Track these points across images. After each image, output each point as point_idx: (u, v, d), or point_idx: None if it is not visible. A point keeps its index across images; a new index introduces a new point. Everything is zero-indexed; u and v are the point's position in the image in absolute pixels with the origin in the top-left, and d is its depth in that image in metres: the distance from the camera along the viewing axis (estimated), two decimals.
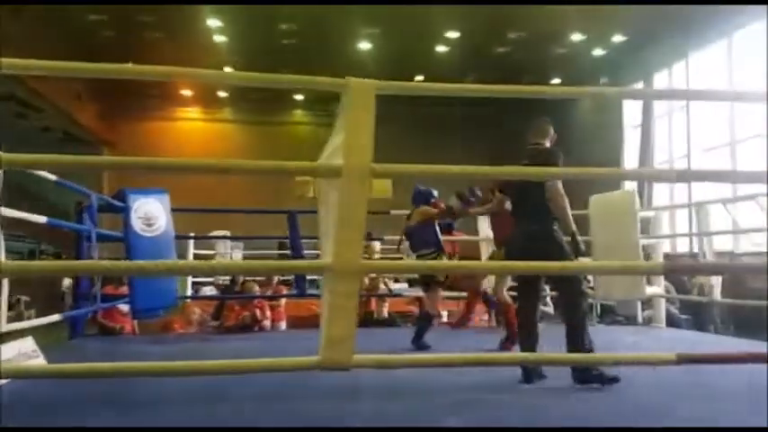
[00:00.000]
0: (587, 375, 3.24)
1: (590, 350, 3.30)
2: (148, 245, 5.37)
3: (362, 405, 2.91)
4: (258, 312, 6.30)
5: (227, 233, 11.09)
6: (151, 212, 5.49)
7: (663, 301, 6.32)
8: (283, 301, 7.80)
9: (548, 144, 3.72)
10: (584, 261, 3.56)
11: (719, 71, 13.48)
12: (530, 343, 3.53)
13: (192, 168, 2.33)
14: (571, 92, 2.04)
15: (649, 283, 6.44)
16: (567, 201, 3.46)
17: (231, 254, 11.44)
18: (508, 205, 3.99)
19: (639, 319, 6.53)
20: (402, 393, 3.10)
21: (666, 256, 11.99)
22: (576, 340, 3.33)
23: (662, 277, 6.37)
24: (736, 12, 12.53)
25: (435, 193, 5.22)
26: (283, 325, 7.69)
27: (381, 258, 13.16)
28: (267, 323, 6.33)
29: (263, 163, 1.84)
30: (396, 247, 5.80)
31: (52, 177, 4.00)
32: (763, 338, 5.43)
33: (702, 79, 13.88)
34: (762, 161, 12.05)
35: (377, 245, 14.36)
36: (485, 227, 6.47)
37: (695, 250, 12.88)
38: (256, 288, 6.75)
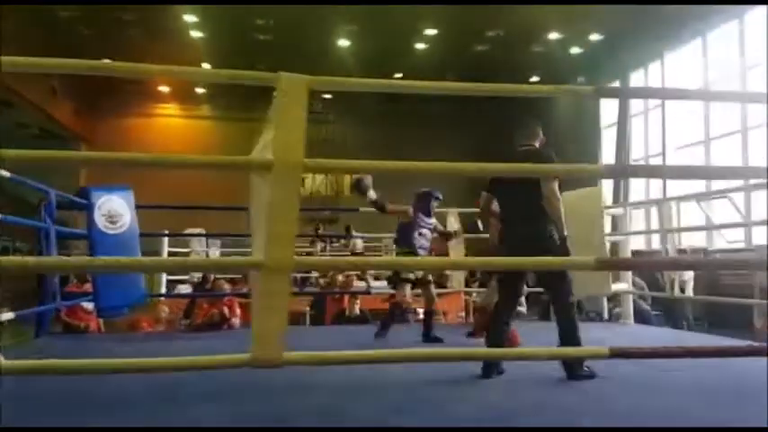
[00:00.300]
0: (577, 372, 3.29)
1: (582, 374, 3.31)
2: (112, 242, 5.31)
3: (316, 402, 2.89)
4: (226, 310, 6.25)
5: (202, 231, 11.02)
6: (115, 209, 5.42)
7: (630, 297, 6.37)
8: None
9: (537, 145, 3.67)
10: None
11: (694, 70, 13.62)
12: (499, 340, 3.52)
13: (114, 162, 2.25)
14: (516, 90, 2.03)
15: (617, 279, 6.49)
16: (561, 203, 3.45)
17: (207, 251, 11.35)
18: (495, 206, 3.86)
19: (605, 315, 6.58)
20: (357, 389, 3.09)
21: (636, 252, 12.14)
22: (570, 340, 3.33)
23: (629, 273, 6.42)
24: (711, 12, 12.66)
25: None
26: None
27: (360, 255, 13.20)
28: (236, 321, 6.27)
29: (194, 157, 1.80)
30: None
31: (6, 174, 3.92)
32: (736, 334, 5.49)
33: (677, 78, 14.01)
34: (735, 158, 12.24)
35: (359, 242, 14.40)
36: (452, 221, 6.49)
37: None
38: (226, 286, 6.70)
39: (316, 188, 21.23)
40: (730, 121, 12.53)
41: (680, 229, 5.21)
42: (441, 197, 5.34)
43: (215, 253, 11.61)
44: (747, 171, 3.96)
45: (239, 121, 21.19)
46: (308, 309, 9.34)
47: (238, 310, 6.27)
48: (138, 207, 5.67)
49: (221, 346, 4.85)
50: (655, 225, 12.79)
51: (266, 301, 1.78)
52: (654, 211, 12.99)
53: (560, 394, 3.09)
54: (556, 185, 3.41)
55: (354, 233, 13.51)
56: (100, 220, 5.34)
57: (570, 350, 1.88)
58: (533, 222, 3.46)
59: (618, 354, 1.89)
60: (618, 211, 6.44)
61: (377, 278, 13.01)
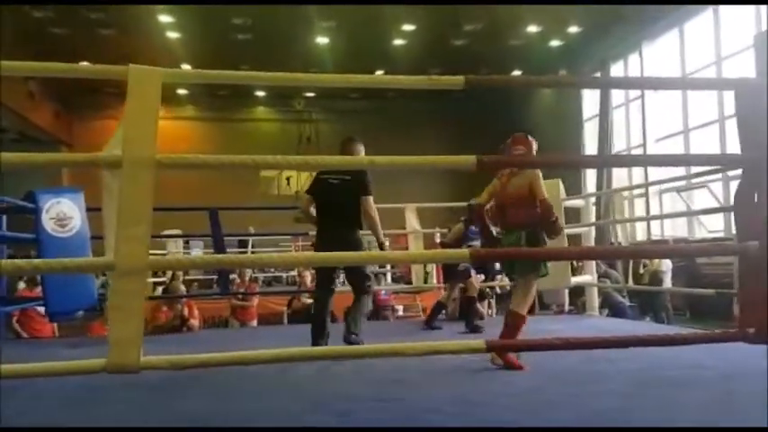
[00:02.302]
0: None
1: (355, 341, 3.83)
2: (61, 245, 5.22)
3: (232, 405, 2.83)
4: (186, 311, 6.18)
5: (179, 232, 10.95)
6: (64, 212, 5.34)
7: (594, 289, 6.30)
8: (256, 300, 8.08)
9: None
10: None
11: (672, 61, 13.58)
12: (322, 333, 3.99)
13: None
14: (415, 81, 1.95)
15: (581, 272, 6.44)
16: (377, 215, 4.09)
17: (182, 253, 11.31)
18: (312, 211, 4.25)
19: (566, 307, 6.52)
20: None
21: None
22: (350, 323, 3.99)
23: (593, 266, 6.35)
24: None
25: None
26: (254, 323, 8.17)
27: None
28: (195, 322, 6.21)
29: (35, 156, 1.71)
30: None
31: None
32: (715, 325, 5.43)
33: (656, 69, 13.96)
34: (714, 147, 12.17)
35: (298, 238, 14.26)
36: (410, 217, 6.43)
37: (652, 237, 13.01)
38: (182, 288, 6.62)
39: (301, 187, 21.09)
40: (708, 111, 12.48)
41: (627, 220, 5.12)
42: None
43: (196, 254, 11.56)
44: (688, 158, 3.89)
45: (224, 121, 21.17)
46: (284, 308, 9.33)
47: (196, 312, 6.21)
48: (89, 210, 5.57)
49: (175, 349, 4.81)
50: (641, 214, 12.84)
51: (120, 304, 1.70)
52: (639, 201, 13.07)
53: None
54: (371, 200, 4.07)
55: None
56: (48, 224, 5.25)
57: (452, 344, 1.80)
58: (351, 228, 4.04)
59: (494, 347, 1.82)
60: (578, 202, 6.37)
61: None
